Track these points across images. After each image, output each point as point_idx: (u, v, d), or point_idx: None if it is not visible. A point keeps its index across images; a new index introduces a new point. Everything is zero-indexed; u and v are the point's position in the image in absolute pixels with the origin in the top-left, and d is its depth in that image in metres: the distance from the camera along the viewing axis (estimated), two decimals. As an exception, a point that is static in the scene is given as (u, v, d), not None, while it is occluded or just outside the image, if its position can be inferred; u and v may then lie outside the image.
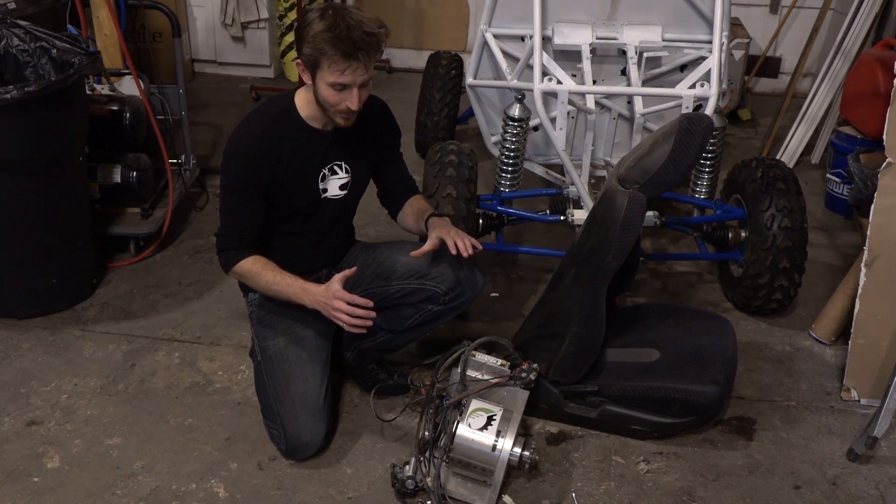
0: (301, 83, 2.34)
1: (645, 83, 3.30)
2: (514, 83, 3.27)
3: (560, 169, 3.49)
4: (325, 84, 2.19)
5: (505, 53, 3.35)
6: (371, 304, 2.24)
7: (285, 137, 2.33)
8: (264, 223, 2.39)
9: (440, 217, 2.49)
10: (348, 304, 2.21)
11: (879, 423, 2.40)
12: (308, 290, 2.29)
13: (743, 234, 3.16)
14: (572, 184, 3.24)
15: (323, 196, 2.44)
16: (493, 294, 3.30)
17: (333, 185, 2.45)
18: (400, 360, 2.80)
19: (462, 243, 2.34)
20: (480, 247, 2.41)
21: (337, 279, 2.25)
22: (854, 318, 2.72)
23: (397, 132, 2.60)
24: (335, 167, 2.43)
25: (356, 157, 2.46)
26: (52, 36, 2.99)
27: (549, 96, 3.05)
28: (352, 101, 2.20)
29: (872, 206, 2.68)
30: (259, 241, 2.39)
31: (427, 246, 2.37)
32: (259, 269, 2.34)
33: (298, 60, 2.24)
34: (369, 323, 2.24)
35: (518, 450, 2.20)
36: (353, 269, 2.29)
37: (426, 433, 2.23)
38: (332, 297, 2.22)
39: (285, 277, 2.32)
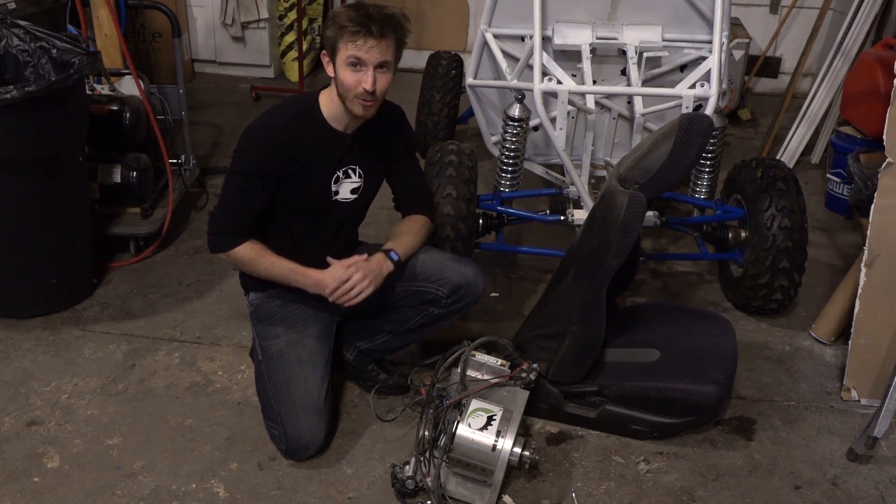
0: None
1: (645, 83, 3.30)
2: (514, 83, 3.27)
3: (560, 169, 3.48)
4: (343, 64, 2.22)
5: (505, 53, 3.35)
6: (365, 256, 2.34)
7: (305, 134, 2.33)
8: (263, 217, 2.39)
9: (387, 257, 2.39)
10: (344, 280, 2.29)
11: (879, 423, 2.40)
12: (308, 275, 2.34)
13: (743, 234, 3.16)
14: (572, 184, 3.24)
15: (334, 198, 2.44)
16: (493, 294, 3.30)
17: (345, 189, 2.45)
18: (400, 360, 2.80)
19: (346, 290, 2.29)
20: (356, 300, 2.32)
21: (337, 265, 2.33)
22: (854, 318, 2.72)
23: (411, 134, 2.60)
24: (349, 171, 2.43)
25: (371, 163, 2.47)
26: (52, 36, 2.99)
27: (549, 96, 3.05)
28: (367, 82, 2.21)
29: (872, 206, 2.68)
30: (254, 232, 2.38)
31: (336, 261, 2.36)
32: (256, 255, 2.35)
33: (323, 52, 2.29)
34: (363, 295, 2.30)
35: (518, 450, 2.20)
36: (364, 256, 2.35)
37: (426, 433, 2.23)
38: (332, 277, 2.31)
39: (284, 262, 2.35)
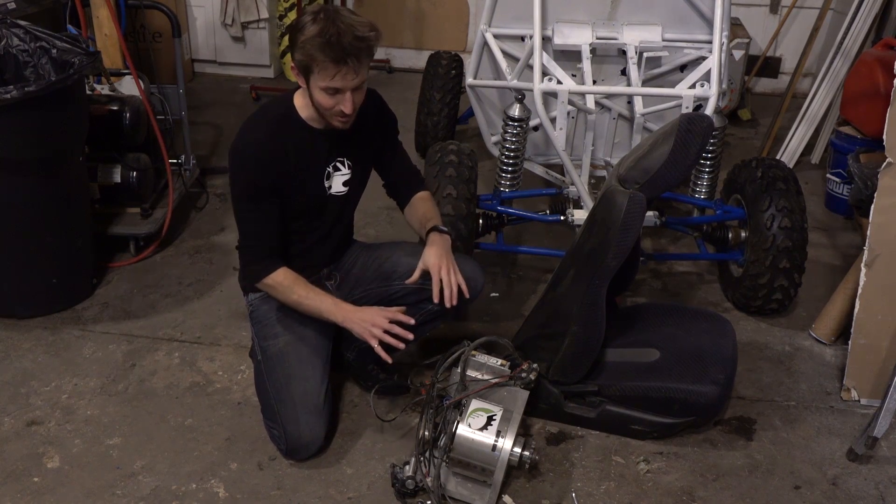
0: (290, 91, 2.35)
1: (645, 83, 3.30)
2: (514, 83, 3.28)
3: (560, 169, 3.49)
4: (318, 88, 2.20)
5: (505, 53, 3.35)
6: (412, 321, 2.29)
7: (290, 140, 2.33)
8: (282, 227, 2.40)
9: (440, 233, 2.46)
10: (390, 321, 2.26)
11: (879, 423, 2.40)
12: (342, 308, 2.32)
13: (743, 234, 3.16)
14: (572, 184, 3.24)
15: (328, 193, 2.45)
16: (493, 294, 3.30)
17: (337, 182, 2.45)
18: (400, 360, 2.80)
19: (448, 291, 2.34)
20: (467, 294, 2.38)
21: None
22: (854, 318, 2.72)
23: (393, 118, 2.58)
24: (338, 164, 2.44)
25: (357, 152, 2.47)
26: (52, 36, 2.99)
27: (549, 96, 3.05)
28: (345, 105, 2.21)
29: (872, 206, 2.68)
30: (282, 247, 2.40)
31: (415, 274, 2.39)
32: (290, 283, 2.34)
33: (293, 65, 2.25)
34: (401, 345, 2.27)
35: (518, 450, 2.20)
36: (403, 307, 2.36)
37: (426, 433, 2.23)
38: (375, 313, 2.28)
39: (318, 293, 2.34)
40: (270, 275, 2.35)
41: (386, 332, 2.25)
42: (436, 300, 2.35)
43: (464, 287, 2.37)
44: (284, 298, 2.38)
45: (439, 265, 2.36)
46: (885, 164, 2.64)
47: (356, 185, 2.51)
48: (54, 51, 2.96)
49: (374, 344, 2.25)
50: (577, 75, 3.27)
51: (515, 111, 3.13)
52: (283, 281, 2.35)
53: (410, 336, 2.27)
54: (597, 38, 3.23)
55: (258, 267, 2.37)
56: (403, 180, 2.64)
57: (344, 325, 2.32)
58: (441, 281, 2.34)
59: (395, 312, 2.29)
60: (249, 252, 2.39)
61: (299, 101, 2.35)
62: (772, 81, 5.91)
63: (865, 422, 2.53)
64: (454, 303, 2.35)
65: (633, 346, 2.63)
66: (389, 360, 2.28)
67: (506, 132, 3.17)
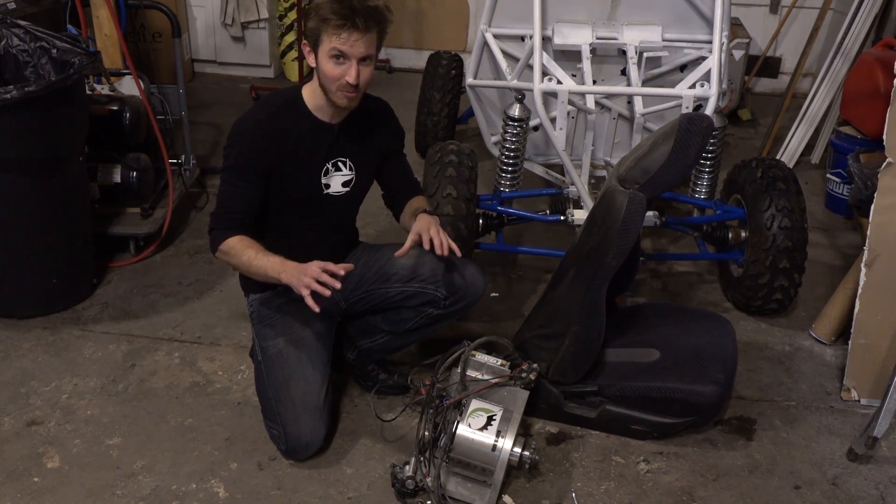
0: (301, 82, 2.35)
1: (645, 83, 3.31)
2: (514, 83, 3.28)
3: (560, 169, 3.49)
4: (326, 56, 2.21)
5: (505, 53, 3.36)
6: (342, 272, 2.16)
7: (291, 126, 2.34)
8: (260, 212, 2.39)
9: (430, 214, 2.46)
10: (323, 270, 2.14)
11: (879, 423, 2.40)
12: (286, 265, 2.23)
13: (743, 234, 3.16)
14: (572, 184, 3.24)
15: (325, 192, 2.44)
16: (493, 294, 3.30)
17: (336, 182, 2.45)
18: (400, 360, 2.80)
19: (438, 241, 2.30)
20: (458, 252, 2.35)
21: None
22: (854, 318, 2.72)
23: (401, 132, 2.61)
24: (339, 163, 2.43)
25: (361, 155, 2.47)
26: (52, 36, 2.99)
27: (549, 96, 3.05)
28: (350, 75, 2.21)
29: (872, 206, 2.68)
30: (251, 228, 2.37)
31: (407, 243, 2.34)
32: (242, 247, 2.30)
33: (305, 42, 2.27)
34: (327, 292, 2.12)
35: (518, 450, 2.20)
36: (350, 265, 2.25)
37: (426, 433, 2.23)
38: (312, 264, 2.16)
39: (267, 255, 2.27)
40: (226, 240, 2.31)
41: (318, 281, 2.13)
42: (426, 247, 2.30)
43: (454, 247, 2.33)
44: (236, 262, 2.34)
45: (428, 227, 2.33)
46: (885, 164, 2.64)
47: (357, 188, 2.51)
48: (54, 51, 2.96)
49: (305, 294, 2.12)
50: (577, 75, 3.27)
51: (515, 111, 3.13)
52: (237, 245, 2.30)
53: (338, 284, 2.14)
54: (597, 38, 3.23)
55: (218, 234, 2.34)
56: (402, 190, 2.63)
57: (285, 282, 2.20)
58: (432, 240, 2.30)
59: (335, 266, 2.16)
60: (216, 219, 2.36)
61: (307, 92, 2.37)
62: (772, 81, 5.91)
63: (865, 422, 2.53)
64: (445, 252, 2.30)
65: (633, 346, 2.63)
66: (317, 309, 2.13)
67: (506, 132, 3.17)
